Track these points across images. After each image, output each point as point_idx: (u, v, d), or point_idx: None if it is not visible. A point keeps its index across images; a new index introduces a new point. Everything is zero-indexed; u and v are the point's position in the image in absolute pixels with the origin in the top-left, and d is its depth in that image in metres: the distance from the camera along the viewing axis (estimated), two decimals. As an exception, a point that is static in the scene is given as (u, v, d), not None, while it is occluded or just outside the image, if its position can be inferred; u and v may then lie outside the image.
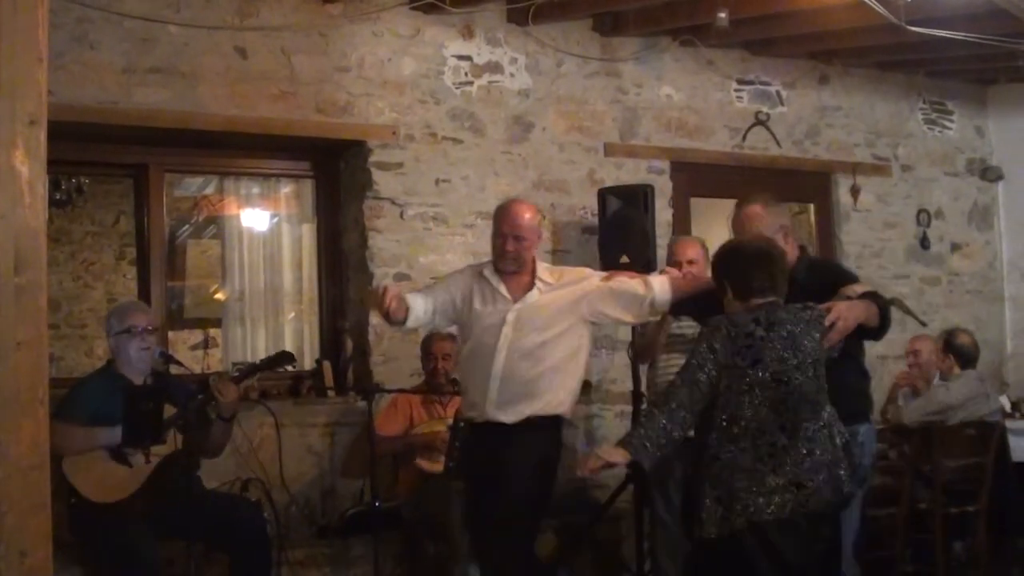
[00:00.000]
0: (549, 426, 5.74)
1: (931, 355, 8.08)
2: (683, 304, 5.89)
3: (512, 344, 5.63)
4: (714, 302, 5.25)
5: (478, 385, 5.69)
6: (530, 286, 5.75)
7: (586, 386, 8.12)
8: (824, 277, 5.55)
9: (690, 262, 6.73)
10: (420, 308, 5.72)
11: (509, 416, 5.62)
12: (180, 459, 5.89)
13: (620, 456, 4.84)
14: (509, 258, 5.71)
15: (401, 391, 7.22)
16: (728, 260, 5.07)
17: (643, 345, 7.30)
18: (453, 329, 6.28)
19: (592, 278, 5.89)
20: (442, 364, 7.19)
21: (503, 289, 5.74)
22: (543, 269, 5.87)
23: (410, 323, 5.77)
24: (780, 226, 5.53)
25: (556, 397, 5.73)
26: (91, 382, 6.18)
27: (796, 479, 4.71)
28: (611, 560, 7.71)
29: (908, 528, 7.25)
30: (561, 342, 5.75)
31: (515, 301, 5.70)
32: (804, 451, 4.74)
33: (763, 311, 4.84)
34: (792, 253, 5.45)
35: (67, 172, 10.03)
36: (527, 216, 5.77)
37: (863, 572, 6.08)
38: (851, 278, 5.69)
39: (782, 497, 4.68)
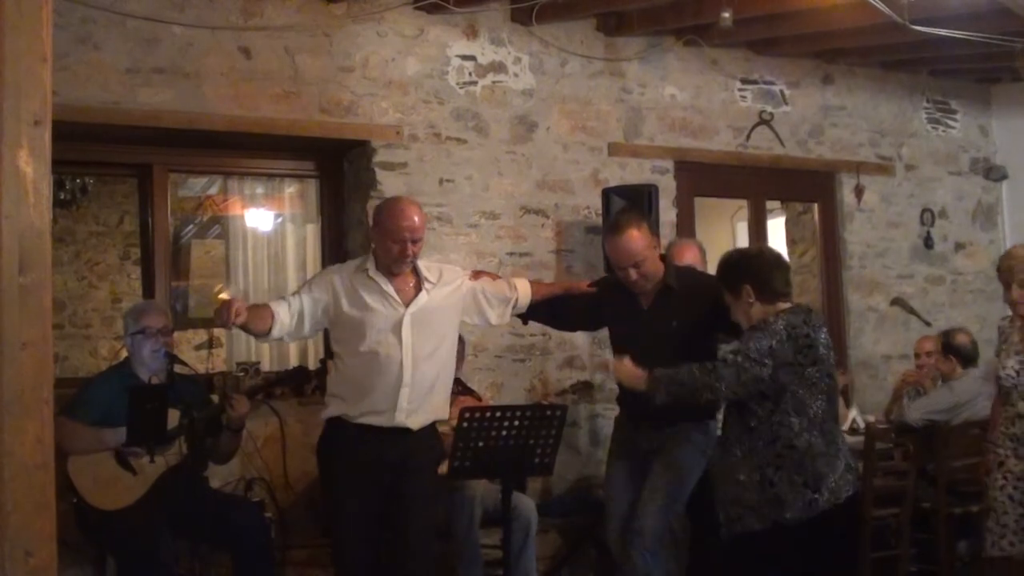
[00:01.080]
0: (435, 430, 5.81)
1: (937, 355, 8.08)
2: (537, 309, 6.18)
3: (414, 349, 5.53)
4: (566, 308, 6.16)
5: (385, 392, 5.51)
6: (417, 286, 5.67)
7: (587, 386, 8.14)
8: (693, 279, 6.10)
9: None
10: (285, 316, 5.52)
11: (415, 422, 5.58)
12: (185, 468, 5.90)
13: (639, 381, 5.24)
14: (408, 262, 5.60)
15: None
16: (749, 265, 5.31)
17: None
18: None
19: (463, 277, 5.93)
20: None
21: (391, 290, 5.59)
22: (423, 266, 5.75)
23: (275, 333, 5.52)
24: (653, 240, 5.92)
25: (444, 401, 5.80)
26: (103, 380, 6.20)
27: (848, 460, 5.15)
28: (613, 560, 7.70)
29: (912, 528, 7.24)
30: (448, 344, 5.78)
31: (406, 304, 5.59)
32: (842, 438, 5.22)
33: (803, 314, 5.19)
34: (658, 264, 5.93)
35: (71, 172, 10.04)
36: (422, 217, 5.62)
37: (871, 573, 6.18)
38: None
39: (848, 476, 5.10)
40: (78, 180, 10.96)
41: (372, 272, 5.60)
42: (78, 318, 11.67)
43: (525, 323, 6.56)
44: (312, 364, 7.93)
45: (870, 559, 6.97)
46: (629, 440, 6.08)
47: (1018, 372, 5.62)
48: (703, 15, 8.15)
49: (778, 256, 5.43)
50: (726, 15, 7.47)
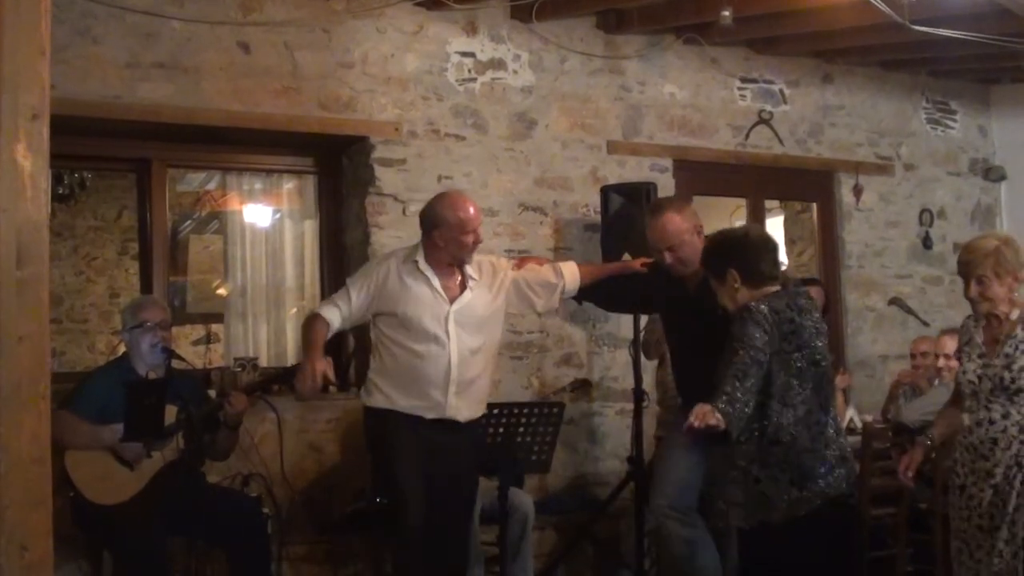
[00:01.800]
0: (480, 424, 5.86)
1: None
2: (588, 291, 6.19)
3: (459, 346, 5.64)
4: (620, 289, 6.10)
5: (432, 387, 5.64)
6: (463, 284, 5.77)
7: (585, 384, 8.13)
8: None
9: None
10: (337, 322, 5.72)
11: (463, 415, 5.71)
12: (182, 463, 5.91)
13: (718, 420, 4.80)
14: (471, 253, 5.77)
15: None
16: (734, 248, 5.19)
17: (650, 342, 7.33)
18: None
19: (507, 269, 5.99)
20: None
21: (438, 285, 5.69)
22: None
23: (329, 335, 5.75)
24: (695, 226, 5.85)
25: (487, 396, 5.92)
26: (101, 375, 6.21)
27: (843, 453, 5.06)
28: (611, 557, 7.71)
29: (909, 528, 7.23)
30: (494, 340, 5.91)
31: (451, 301, 5.69)
32: (835, 429, 5.11)
33: (787, 297, 5.04)
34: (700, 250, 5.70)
35: (70, 166, 10.03)
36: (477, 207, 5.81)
37: (868, 572, 6.13)
38: None
39: (842, 470, 5.01)
40: (76, 175, 10.96)
41: (422, 265, 5.69)
42: (75, 312, 11.67)
43: (579, 303, 6.76)
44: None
45: (867, 558, 6.96)
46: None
47: (979, 378, 5.15)
48: (703, 13, 8.15)
49: (765, 237, 5.29)
50: (726, 13, 7.46)
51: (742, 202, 10.01)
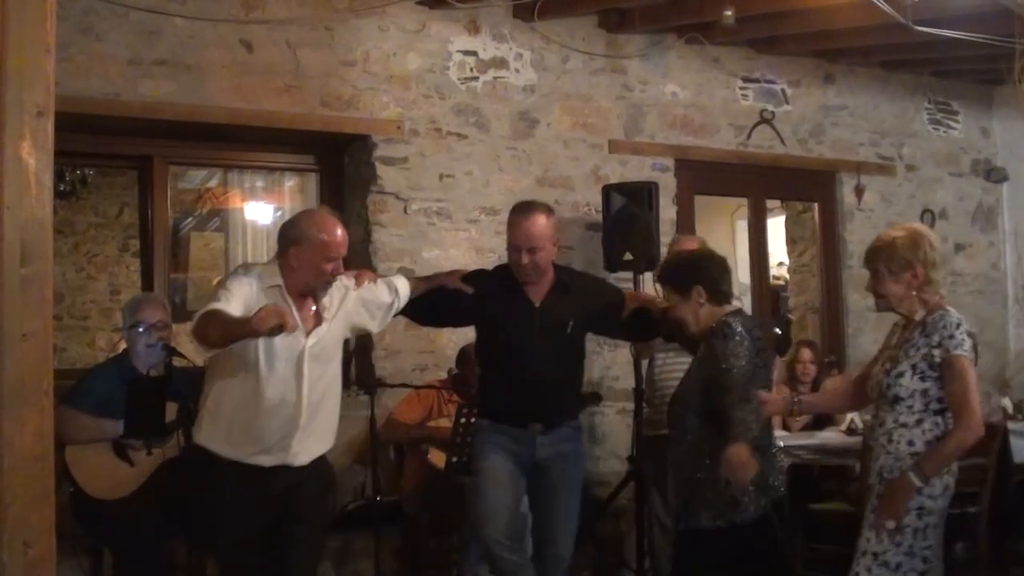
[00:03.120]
0: (324, 461, 5.29)
1: None
2: (408, 306, 5.63)
3: (310, 387, 4.98)
4: (437, 306, 5.72)
5: (274, 435, 4.96)
6: (318, 315, 5.08)
7: (595, 397, 8.11)
8: (585, 280, 6.07)
9: None
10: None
11: (304, 460, 5.09)
12: (182, 461, 5.90)
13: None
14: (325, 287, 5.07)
15: (404, 386, 7.19)
16: (702, 267, 5.26)
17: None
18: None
19: (349, 288, 5.27)
20: (472, 374, 7.08)
21: (298, 317, 4.94)
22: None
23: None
24: (555, 236, 5.75)
25: (333, 430, 5.29)
26: (103, 371, 6.21)
27: (781, 456, 5.26)
28: (611, 557, 7.71)
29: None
30: (336, 365, 5.23)
31: (307, 334, 4.98)
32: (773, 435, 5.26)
33: (746, 316, 5.23)
34: (550, 261, 5.73)
35: (71, 163, 10.02)
36: (345, 231, 5.13)
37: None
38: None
39: (783, 475, 5.15)
40: (78, 171, 10.96)
41: (285, 292, 4.95)
42: (76, 309, 11.66)
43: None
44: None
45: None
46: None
47: (876, 381, 4.84)
48: (705, 13, 8.15)
49: (724, 259, 5.36)
50: (728, 13, 7.47)
51: (743, 202, 10.01)
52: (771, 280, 10.78)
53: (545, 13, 8.14)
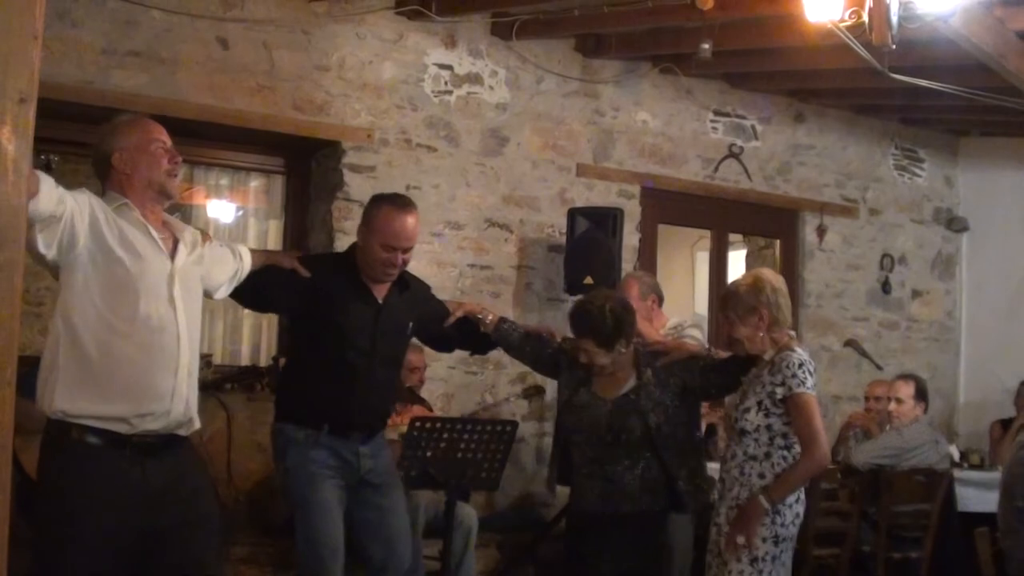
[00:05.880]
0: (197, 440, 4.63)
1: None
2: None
3: (188, 317, 4.19)
4: (268, 286, 5.07)
5: (163, 383, 4.09)
6: (174, 239, 4.31)
7: (539, 391, 8.10)
8: (417, 280, 5.60)
9: None
10: (49, 184, 3.91)
11: (190, 426, 4.28)
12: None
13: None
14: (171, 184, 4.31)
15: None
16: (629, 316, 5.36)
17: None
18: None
19: (197, 238, 4.49)
20: (408, 375, 7.07)
21: (154, 233, 4.16)
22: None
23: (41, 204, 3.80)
24: None
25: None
26: None
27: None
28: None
29: (852, 570, 7.27)
30: (198, 325, 4.38)
31: (171, 257, 4.21)
32: None
33: None
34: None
35: (38, 149, 9.92)
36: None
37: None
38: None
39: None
40: (43, 157, 10.86)
41: (133, 208, 4.17)
42: (30, 296, 11.52)
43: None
44: (264, 361, 7.89)
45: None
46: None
47: (735, 418, 5.00)
48: (681, 44, 8.17)
49: None
50: (706, 46, 7.47)
51: (705, 233, 10.05)
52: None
53: (523, 33, 8.15)
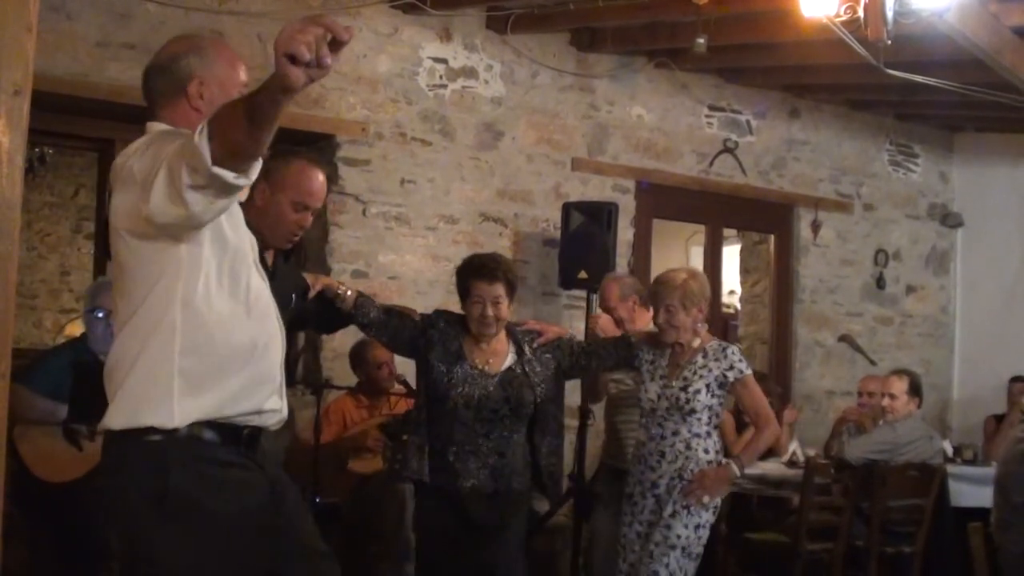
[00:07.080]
0: None
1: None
2: None
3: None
4: None
5: (278, 350, 3.50)
6: None
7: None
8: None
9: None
10: None
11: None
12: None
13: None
14: None
15: (350, 388, 7.14)
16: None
17: (589, 384, 7.02)
18: None
19: None
20: (377, 373, 7.06)
21: None
22: None
23: None
24: None
25: None
26: (59, 353, 6.14)
27: None
28: (546, 573, 7.69)
29: (845, 565, 7.27)
30: None
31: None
32: None
33: None
34: None
35: (31, 141, 9.91)
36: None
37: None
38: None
39: None
40: (36, 149, 10.87)
41: None
42: (25, 288, 11.54)
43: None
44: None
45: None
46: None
47: (659, 397, 5.54)
48: (677, 39, 8.17)
49: None
50: (701, 41, 7.46)
51: (700, 228, 10.05)
52: (722, 308, 10.84)
53: (518, 27, 8.15)
